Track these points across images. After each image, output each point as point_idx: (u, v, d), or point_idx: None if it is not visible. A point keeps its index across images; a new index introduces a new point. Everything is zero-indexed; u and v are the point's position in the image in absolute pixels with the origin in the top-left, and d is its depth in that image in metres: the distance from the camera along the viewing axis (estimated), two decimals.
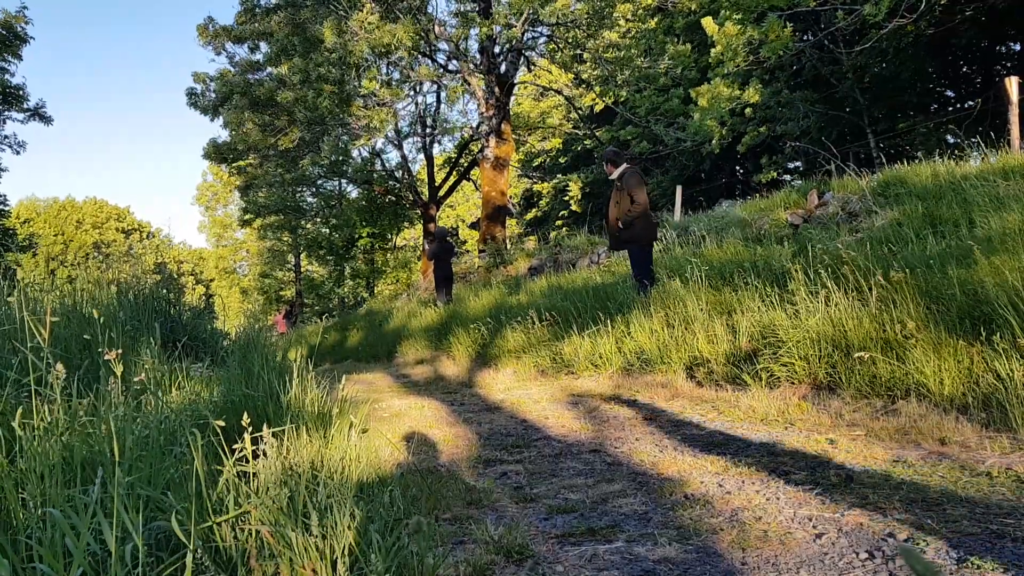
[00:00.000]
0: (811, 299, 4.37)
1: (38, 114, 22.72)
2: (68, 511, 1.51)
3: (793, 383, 4.08)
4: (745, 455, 3.07)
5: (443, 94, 21.27)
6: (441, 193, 23.92)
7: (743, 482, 2.69)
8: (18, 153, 23.32)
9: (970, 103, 16.54)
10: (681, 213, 12.22)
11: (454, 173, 23.61)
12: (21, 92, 22.17)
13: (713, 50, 12.25)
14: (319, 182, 25.34)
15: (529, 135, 23.69)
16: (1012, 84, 7.77)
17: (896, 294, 4.00)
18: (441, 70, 17.31)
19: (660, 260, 7.95)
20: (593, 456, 3.34)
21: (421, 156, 24.71)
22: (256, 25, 17.56)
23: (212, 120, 20.06)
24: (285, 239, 32.44)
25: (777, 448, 3.12)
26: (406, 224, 30.60)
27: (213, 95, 19.36)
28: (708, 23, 12.00)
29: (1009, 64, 18.19)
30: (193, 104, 19.68)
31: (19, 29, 21.30)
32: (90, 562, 1.48)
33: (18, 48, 21.62)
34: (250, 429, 2.00)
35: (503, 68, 17.55)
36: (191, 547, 1.53)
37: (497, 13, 14.66)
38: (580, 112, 22.03)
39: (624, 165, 7.09)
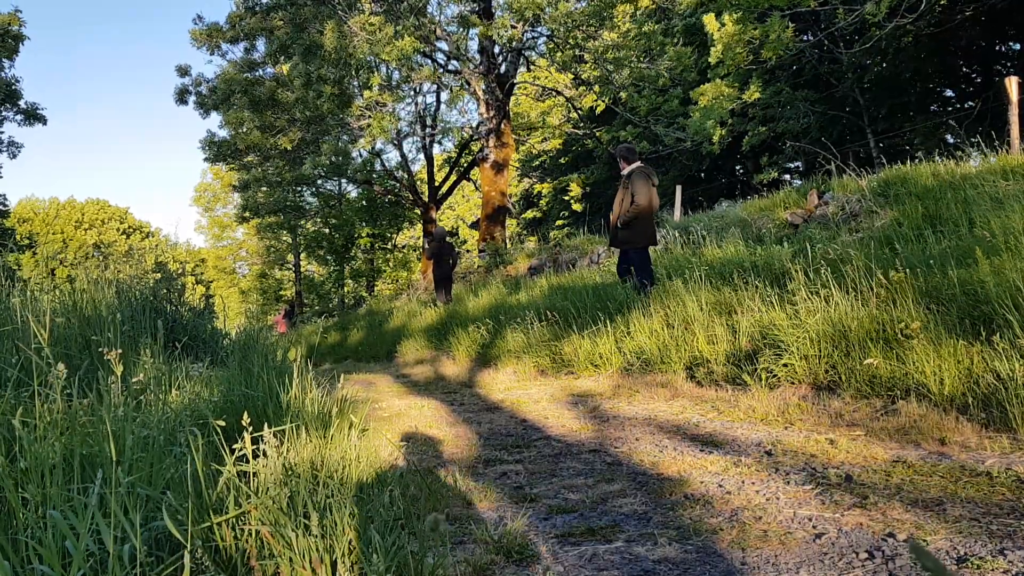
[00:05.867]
0: (811, 299, 4.37)
1: (34, 114, 22.73)
2: (68, 511, 1.51)
3: (793, 383, 4.08)
4: (745, 455, 3.07)
5: (443, 94, 21.27)
6: (441, 193, 23.92)
7: (743, 482, 2.69)
8: (14, 156, 23.34)
9: (970, 103, 16.55)
10: (681, 213, 12.23)
11: (454, 173, 23.62)
12: (14, 89, 22.17)
13: (713, 49, 12.25)
14: (319, 182, 25.33)
15: (529, 135, 23.69)
16: (1012, 84, 7.77)
17: (896, 294, 4.00)
18: (441, 70, 17.31)
19: (660, 260, 7.95)
20: (593, 456, 3.34)
21: (421, 156, 24.74)
22: (253, 22, 17.49)
23: (205, 117, 19.98)
24: (285, 239, 32.44)
25: (777, 448, 3.12)
26: (406, 224, 30.61)
27: (204, 91, 19.27)
28: (710, 20, 12.00)
29: (1009, 64, 18.19)
30: (182, 101, 19.58)
31: (14, 30, 21.35)
32: (90, 562, 1.48)
33: (15, 48, 21.68)
34: (250, 429, 2.00)
35: (503, 68, 17.55)
36: (188, 547, 1.53)
37: (500, 20, 14.67)
38: (580, 112, 22.04)
39: (636, 163, 7.04)
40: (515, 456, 3.47)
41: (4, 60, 21.77)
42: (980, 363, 3.23)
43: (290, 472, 2.01)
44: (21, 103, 22.49)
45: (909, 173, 7.62)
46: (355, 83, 18.29)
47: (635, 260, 7.00)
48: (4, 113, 22.39)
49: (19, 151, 23.35)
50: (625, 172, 7.05)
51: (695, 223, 9.49)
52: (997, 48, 18.79)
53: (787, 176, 22.41)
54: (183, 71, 19.39)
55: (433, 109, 23.04)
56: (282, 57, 17.17)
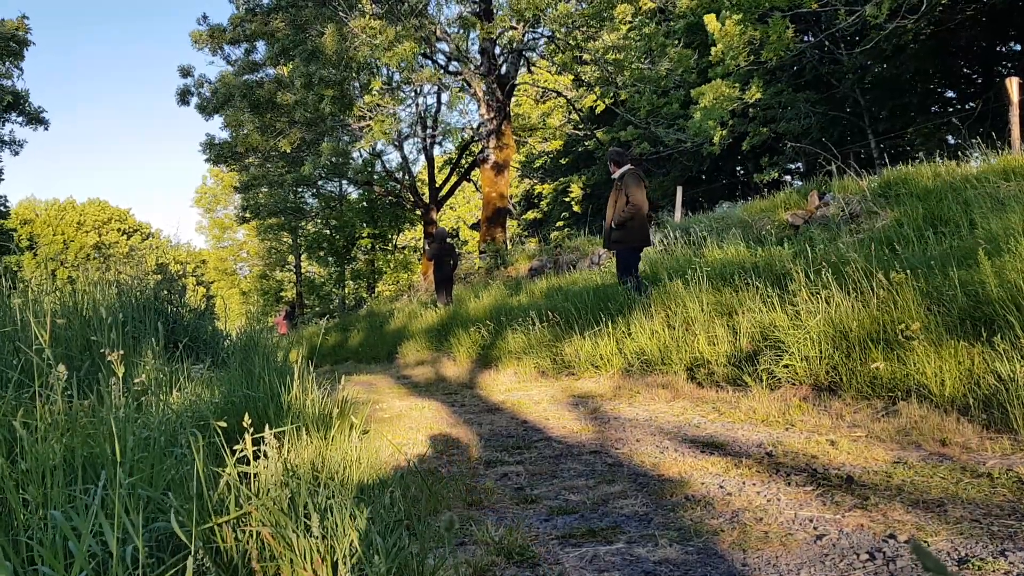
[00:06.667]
0: (812, 300, 4.37)
1: (36, 117, 22.81)
2: (70, 512, 1.51)
3: (794, 384, 4.08)
4: (746, 456, 3.07)
5: (444, 95, 21.27)
6: (442, 194, 23.92)
7: (744, 483, 2.69)
8: (16, 154, 23.43)
9: (971, 104, 16.55)
10: (681, 214, 12.23)
11: (455, 174, 23.63)
12: (23, 98, 22.33)
13: (714, 49, 12.25)
14: (319, 183, 25.34)
15: (530, 136, 23.70)
16: (1013, 84, 7.76)
17: (897, 295, 3.99)
18: (442, 71, 17.31)
19: (660, 260, 7.95)
20: (594, 457, 3.34)
21: (422, 157, 24.73)
22: (254, 25, 17.48)
23: (207, 120, 20.00)
24: (285, 240, 32.46)
25: (778, 449, 3.12)
26: (407, 225, 30.62)
27: (208, 94, 19.25)
28: (711, 20, 12.00)
29: (1009, 64, 18.19)
30: (184, 102, 19.55)
31: (20, 35, 21.52)
32: (92, 564, 1.48)
33: (20, 53, 21.85)
34: (251, 430, 2.00)
35: (503, 69, 17.55)
36: (192, 548, 1.53)
37: (499, 18, 14.69)
38: (581, 113, 22.05)
39: (627, 166, 7.11)
40: (516, 457, 3.47)
41: (13, 68, 21.95)
42: (981, 364, 3.23)
43: (291, 473, 2.01)
44: (26, 108, 22.61)
45: (910, 174, 7.61)
46: (356, 84, 18.28)
47: (625, 260, 7.02)
48: (7, 115, 22.49)
49: (21, 148, 23.41)
50: (617, 175, 7.13)
51: (696, 224, 9.49)
52: (997, 49, 18.79)
53: (788, 177, 22.42)
54: (186, 72, 19.36)
55: (434, 110, 23.05)
56: (283, 60, 17.16)
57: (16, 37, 21.38)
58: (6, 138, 23.01)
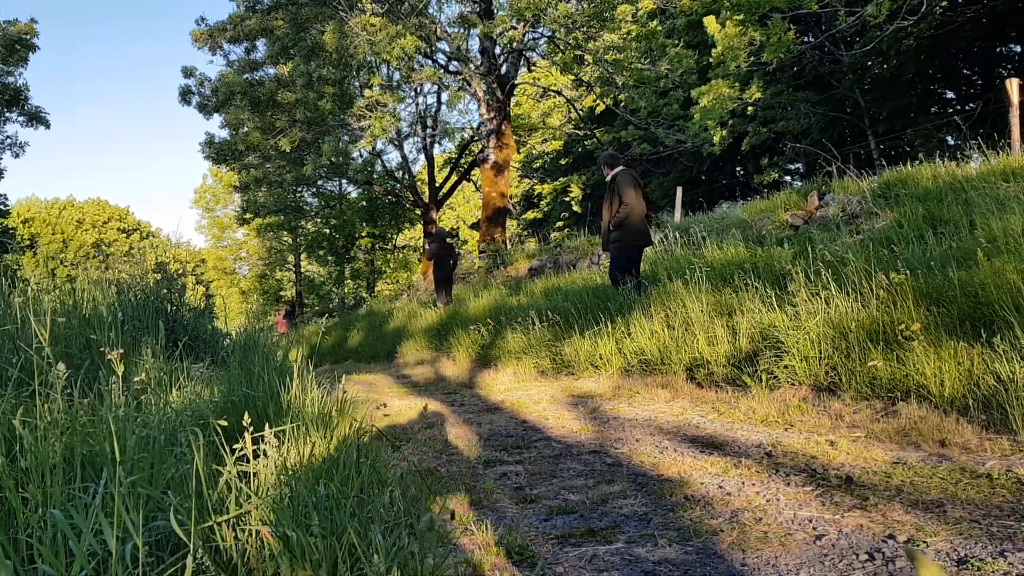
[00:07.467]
0: (811, 300, 4.37)
1: (37, 117, 22.83)
2: (70, 511, 1.51)
3: (793, 384, 4.08)
4: (745, 456, 3.07)
5: (444, 95, 21.26)
6: (442, 194, 23.91)
7: (743, 483, 2.69)
8: (17, 156, 23.43)
9: (971, 105, 16.55)
10: (681, 214, 12.23)
11: (454, 174, 23.62)
12: (23, 95, 22.36)
13: (714, 50, 12.27)
14: (319, 182, 25.32)
15: (530, 136, 23.68)
16: (1013, 86, 7.77)
17: (897, 296, 4.00)
18: (442, 71, 17.31)
19: (660, 261, 7.95)
20: (593, 457, 3.34)
21: (422, 156, 24.72)
22: (254, 23, 17.46)
23: (207, 119, 20.02)
24: (285, 239, 32.46)
25: (777, 449, 3.12)
26: (406, 224, 30.62)
27: (208, 93, 19.23)
28: (710, 22, 12.01)
29: (1010, 66, 18.20)
30: (186, 101, 19.54)
31: (27, 39, 21.63)
32: (92, 563, 1.48)
33: (25, 57, 21.95)
34: (251, 429, 2.00)
35: (504, 69, 17.54)
36: (191, 547, 1.53)
37: (499, 18, 14.70)
38: (581, 113, 22.05)
39: (619, 167, 7.15)
40: (515, 457, 3.47)
41: (16, 67, 22.04)
42: (980, 365, 3.23)
43: (291, 472, 2.01)
44: (26, 107, 22.64)
45: (910, 175, 7.62)
46: (356, 83, 18.28)
47: (623, 258, 7.02)
48: (8, 114, 22.51)
49: (23, 151, 23.42)
50: (609, 177, 7.16)
51: (695, 224, 9.49)
52: (998, 50, 18.80)
53: (788, 177, 22.43)
54: (188, 72, 19.36)
55: (434, 110, 23.04)
56: (283, 58, 17.16)
57: (23, 40, 21.46)
58: (9, 141, 23.06)
